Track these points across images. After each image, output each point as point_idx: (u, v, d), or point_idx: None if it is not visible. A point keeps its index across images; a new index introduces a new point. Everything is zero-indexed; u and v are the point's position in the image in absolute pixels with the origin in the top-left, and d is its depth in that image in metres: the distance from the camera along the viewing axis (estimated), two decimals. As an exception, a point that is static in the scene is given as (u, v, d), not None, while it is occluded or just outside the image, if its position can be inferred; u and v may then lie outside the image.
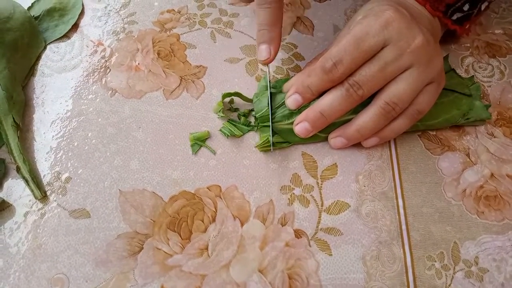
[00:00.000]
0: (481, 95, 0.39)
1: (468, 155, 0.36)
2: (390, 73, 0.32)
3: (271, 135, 0.35)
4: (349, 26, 0.35)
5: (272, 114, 0.36)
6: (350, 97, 0.32)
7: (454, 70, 0.38)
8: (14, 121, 0.37)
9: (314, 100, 0.35)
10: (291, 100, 0.35)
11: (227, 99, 0.39)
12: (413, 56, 0.31)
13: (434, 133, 0.37)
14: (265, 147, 0.36)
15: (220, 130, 0.38)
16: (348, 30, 0.33)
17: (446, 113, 0.36)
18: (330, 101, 0.33)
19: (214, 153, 0.37)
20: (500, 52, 0.42)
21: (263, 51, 0.35)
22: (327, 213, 0.34)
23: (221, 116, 0.38)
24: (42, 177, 0.36)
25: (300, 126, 0.34)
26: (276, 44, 0.35)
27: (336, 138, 0.35)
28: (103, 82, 0.41)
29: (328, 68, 0.32)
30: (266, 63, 0.36)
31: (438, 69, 0.33)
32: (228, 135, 0.37)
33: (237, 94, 0.39)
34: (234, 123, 0.38)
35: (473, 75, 0.39)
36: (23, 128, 0.38)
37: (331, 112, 0.33)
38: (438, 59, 0.33)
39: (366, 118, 0.33)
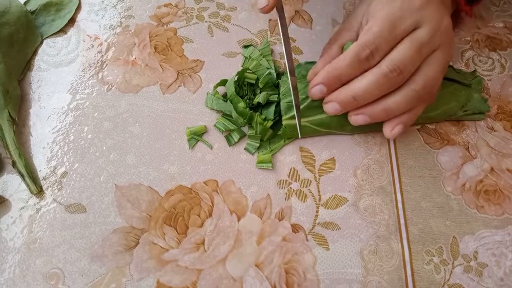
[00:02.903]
0: (482, 90, 0.38)
1: (467, 149, 0.36)
2: (425, 55, 0.31)
3: (299, 129, 0.35)
4: (375, 4, 0.33)
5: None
6: (389, 82, 0.30)
7: (452, 66, 0.38)
8: (10, 115, 0.37)
9: None
10: (316, 90, 0.33)
11: (222, 92, 0.39)
12: (442, 37, 0.31)
13: (434, 127, 0.37)
14: (266, 163, 0.35)
15: (215, 125, 0.37)
16: (379, 13, 0.31)
17: (445, 105, 0.35)
18: (365, 86, 0.31)
19: (211, 147, 0.37)
20: (501, 46, 0.42)
21: None
22: (325, 208, 0.34)
23: (215, 105, 0.38)
24: (38, 171, 0.36)
25: (331, 106, 0.32)
26: None
27: (359, 115, 0.33)
28: (100, 77, 0.41)
29: (365, 56, 0.30)
30: (264, 11, 0.33)
31: (454, 52, 0.33)
32: (223, 130, 0.37)
33: (224, 82, 0.39)
34: (228, 118, 0.37)
35: (475, 70, 0.39)
36: (19, 123, 0.38)
37: (366, 97, 0.31)
38: (453, 44, 0.33)
39: (398, 99, 0.31)
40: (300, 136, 0.35)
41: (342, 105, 0.32)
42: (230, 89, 0.37)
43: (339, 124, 0.35)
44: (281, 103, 0.35)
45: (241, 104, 0.36)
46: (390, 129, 0.33)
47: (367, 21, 0.33)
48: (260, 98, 0.36)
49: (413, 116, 0.33)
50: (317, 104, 0.34)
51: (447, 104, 0.35)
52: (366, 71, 0.31)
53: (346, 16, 0.44)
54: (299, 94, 0.35)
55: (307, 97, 0.34)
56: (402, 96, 0.31)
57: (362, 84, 0.31)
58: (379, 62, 0.31)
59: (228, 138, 0.37)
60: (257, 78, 0.38)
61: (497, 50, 0.42)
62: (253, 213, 0.33)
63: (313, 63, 0.37)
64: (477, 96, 0.36)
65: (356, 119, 0.33)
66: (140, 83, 0.40)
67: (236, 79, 0.38)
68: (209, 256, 0.32)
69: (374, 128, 0.36)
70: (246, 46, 0.42)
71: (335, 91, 0.32)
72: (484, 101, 0.36)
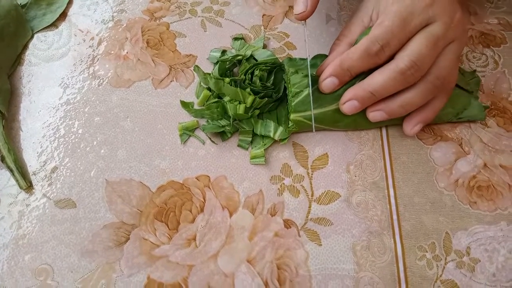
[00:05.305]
0: (479, 90, 0.38)
1: (461, 145, 0.36)
2: (441, 49, 0.31)
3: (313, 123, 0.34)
4: None
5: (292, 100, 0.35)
6: (406, 79, 0.31)
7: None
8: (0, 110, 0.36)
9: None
10: (328, 82, 0.33)
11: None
12: (455, 30, 0.31)
13: (427, 123, 0.37)
14: (259, 158, 0.35)
15: (205, 124, 0.37)
16: (390, 8, 0.31)
17: (440, 110, 0.35)
18: (382, 82, 0.31)
19: (203, 142, 0.36)
20: (495, 42, 0.42)
21: (300, 3, 0.33)
22: (317, 203, 0.33)
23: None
24: (27, 166, 0.35)
25: (350, 104, 0.32)
26: None
27: (376, 112, 0.33)
28: (91, 71, 0.40)
29: (375, 51, 0.31)
30: (301, 18, 0.33)
31: (467, 41, 0.33)
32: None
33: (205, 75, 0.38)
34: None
35: (475, 70, 0.38)
36: (9, 118, 0.38)
37: (383, 93, 0.32)
38: (467, 32, 0.34)
39: (414, 94, 0.32)
40: (314, 130, 0.35)
41: (361, 101, 0.32)
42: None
43: (332, 120, 0.35)
44: (291, 100, 0.34)
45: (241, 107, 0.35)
46: (410, 128, 0.34)
47: (377, 16, 0.33)
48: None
49: (432, 113, 0.34)
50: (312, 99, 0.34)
51: (441, 110, 0.34)
52: (375, 65, 0.32)
53: (340, 11, 0.44)
54: (294, 88, 0.34)
55: (301, 91, 0.34)
56: (417, 91, 0.32)
57: (379, 80, 0.31)
58: (390, 57, 0.31)
59: (221, 133, 0.36)
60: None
61: (491, 46, 0.41)
62: (245, 209, 0.33)
63: (305, 59, 0.36)
64: (476, 103, 0.36)
65: (374, 115, 0.33)
66: (132, 78, 0.40)
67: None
68: (200, 251, 0.31)
69: (367, 125, 0.36)
70: (237, 39, 0.41)
71: (352, 89, 0.32)
72: (484, 108, 0.36)
